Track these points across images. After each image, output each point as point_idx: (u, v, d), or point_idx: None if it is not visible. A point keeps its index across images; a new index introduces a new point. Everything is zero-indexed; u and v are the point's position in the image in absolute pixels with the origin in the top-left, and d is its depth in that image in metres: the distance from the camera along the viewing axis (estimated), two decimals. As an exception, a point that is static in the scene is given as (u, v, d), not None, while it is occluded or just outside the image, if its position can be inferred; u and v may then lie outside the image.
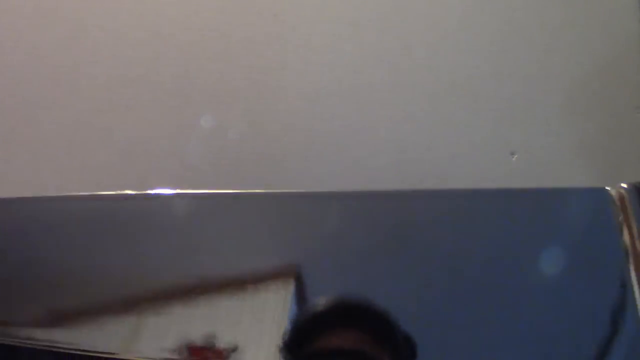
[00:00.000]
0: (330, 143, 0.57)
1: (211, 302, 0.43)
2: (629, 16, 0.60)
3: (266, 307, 0.42)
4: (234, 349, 0.42)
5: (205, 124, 0.58)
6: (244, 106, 0.58)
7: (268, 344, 0.42)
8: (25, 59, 0.58)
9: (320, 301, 0.42)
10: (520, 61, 0.59)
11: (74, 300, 0.45)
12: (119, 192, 0.47)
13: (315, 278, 0.44)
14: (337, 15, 0.59)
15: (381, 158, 0.57)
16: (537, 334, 0.42)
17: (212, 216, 0.46)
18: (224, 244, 0.45)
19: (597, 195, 0.44)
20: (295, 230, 0.45)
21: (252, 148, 0.57)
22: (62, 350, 0.43)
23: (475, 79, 0.58)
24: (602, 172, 0.57)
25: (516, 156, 0.57)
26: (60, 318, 0.44)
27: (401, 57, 0.59)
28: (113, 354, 0.43)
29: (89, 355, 0.43)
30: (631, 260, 0.42)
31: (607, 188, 0.44)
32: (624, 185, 0.44)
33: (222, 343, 0.42)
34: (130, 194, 0.48)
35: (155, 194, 0.48)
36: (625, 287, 0.42)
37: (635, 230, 0.43)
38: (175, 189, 0.48)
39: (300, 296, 0.43)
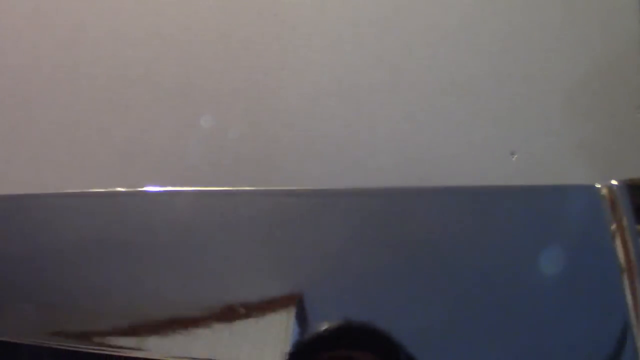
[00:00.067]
0: (330, 143, 0.57)
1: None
2: (629, 16, 0.60)
3: (268, 329, 0.42)
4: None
5: (205, 124, 0.58)
6: (244, 106, 0.58)
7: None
8: (25, 59, 0.58)
9: (323, 323, 0.42)
10: (520, 61, 0.59)
11: (72, 301, 0.44)
12: (112, 189, 0.47)
13: (316, 278, 0.44)
14: (337, 15, 0.59)
15: (381, 158, 0.57)
16: (525, 330, 0.42)
17: (212, 216, 0.46)
18: (221, 249, 0.45)
19: (587, 192, 0.44)
20: (296, 230, 0.45)
21: (252, 148, 0.57)
22: (61, 349, 0.43)
23: (475, 79, 0.58)
24: (602, 172, 0.57)
25: (516, 156, 0.57)
26: (60, 318, 0.44)
27: (401, 57, 0.59)
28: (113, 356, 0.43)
29: (90, 354, 0.43)
30: (621, 257, 0.42)
31: (597, 185, 0.44)
32: (614, 183, 0.44)
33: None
34: (122, 191, 0.47)
35: (153, 191, 0.48)
36: (614, 283, 0.42)
37: (625, 227, 0.43)
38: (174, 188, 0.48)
39: (302, 311, 0.42)
